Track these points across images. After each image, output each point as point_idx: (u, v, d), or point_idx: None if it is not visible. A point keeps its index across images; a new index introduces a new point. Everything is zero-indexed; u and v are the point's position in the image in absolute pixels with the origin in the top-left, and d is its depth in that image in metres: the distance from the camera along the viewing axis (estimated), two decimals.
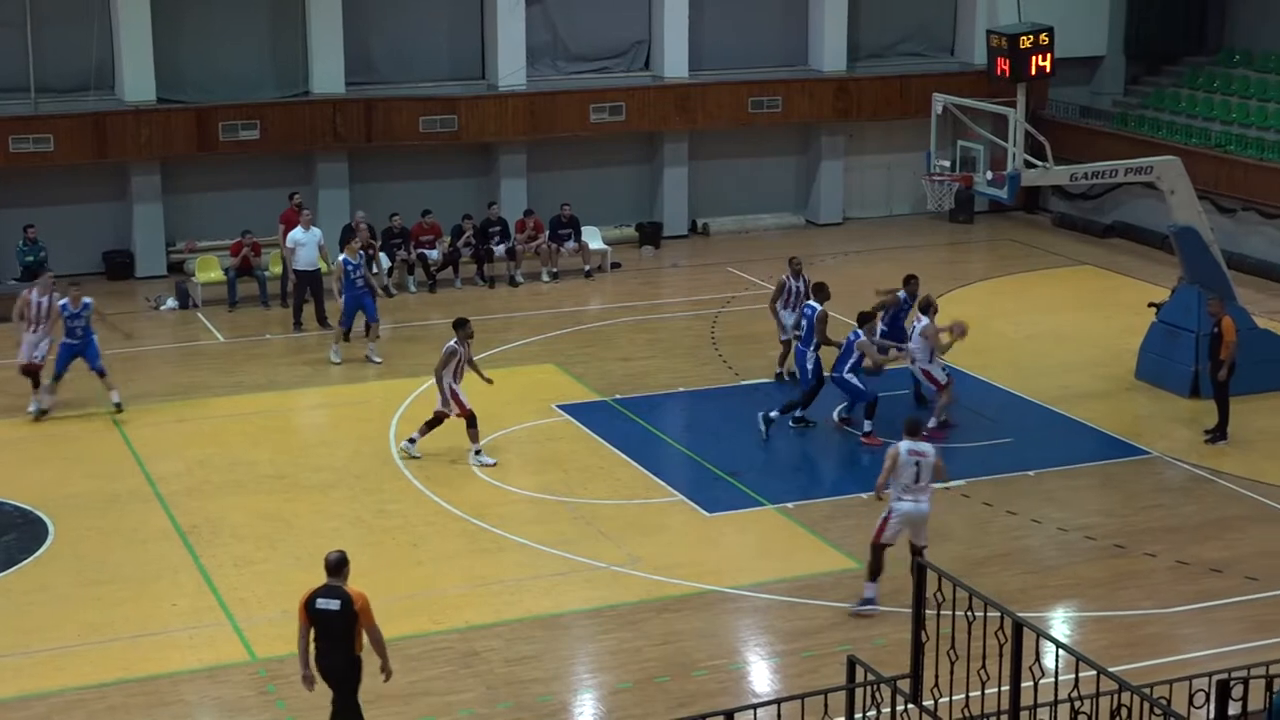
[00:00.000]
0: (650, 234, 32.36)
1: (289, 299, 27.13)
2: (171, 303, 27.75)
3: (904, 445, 15.96)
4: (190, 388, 23.56)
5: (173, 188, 29.76)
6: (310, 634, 12.73)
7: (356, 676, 12.87)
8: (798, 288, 23.15)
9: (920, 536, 16.04)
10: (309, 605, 12.67)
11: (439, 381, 20.11)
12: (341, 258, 24.52)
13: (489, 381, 20.80)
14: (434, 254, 28.96)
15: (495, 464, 20.14)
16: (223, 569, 17.23)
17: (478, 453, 20.23)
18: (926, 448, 16.02)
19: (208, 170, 29.99)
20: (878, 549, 16.06)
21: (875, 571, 16.10)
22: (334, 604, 12.62)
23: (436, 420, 20.29)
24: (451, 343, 20.28)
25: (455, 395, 20.17)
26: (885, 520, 16.03)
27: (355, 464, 20.39)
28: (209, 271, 28.35)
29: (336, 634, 12.65)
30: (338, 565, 12.77)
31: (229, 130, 29.19)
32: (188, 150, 29.28)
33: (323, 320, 26.43)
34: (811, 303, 21.78)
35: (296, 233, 26.41)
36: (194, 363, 24.90)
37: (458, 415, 20.16)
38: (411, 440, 20.43)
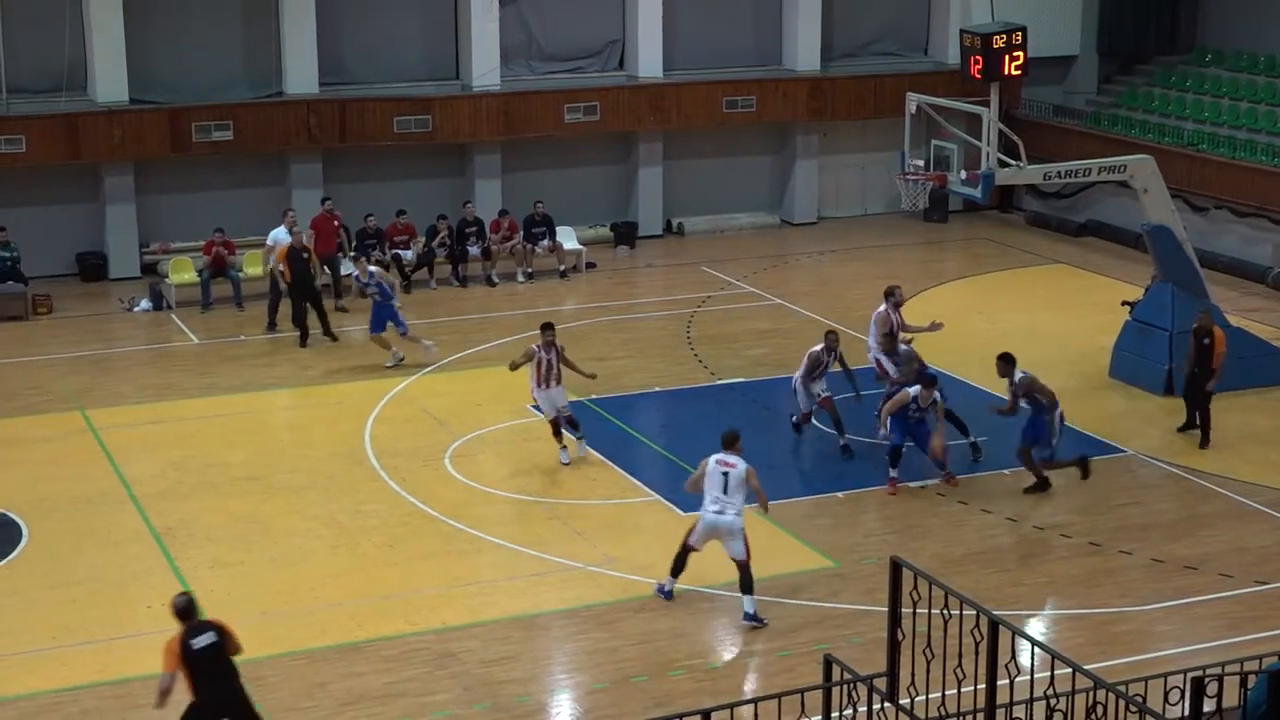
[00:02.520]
0: (625, 234, 32.35)
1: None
2: (145, 304, 27.65)
3: (714, 457, 16.00)
4: (164, 389, 23.48)
5: (146, 189, 29.64)
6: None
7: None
8: (828, 361, 20.92)
9: (733, 549, 15.92)
10: (183, 649, 12.54)
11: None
12: (353, 273, 24.63)
13: (591, 377, 20.97)
14: (409, 254, 28.91)
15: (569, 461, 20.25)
16: (197, 571, 17.17)
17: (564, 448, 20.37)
18: (737, 460, 15.98)
19: (181, 171, 29.88)
20: (683, 549, 16.20)
21: (676, 569, 16.25)
22: (210, 638, 12.61)
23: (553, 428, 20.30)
24: (533, 345, 20.22)
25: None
26: (694, 525, 16.13)
27: (330, 465, 20.35)
28: (182, 273, 28.25)
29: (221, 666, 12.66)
30: (187, 609, 12.70)
31: (202, 131, 29.09)
32: (161, 151, 29.17)
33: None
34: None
35: (279, 232, 26.80)
36: (168, 364, 24.81)
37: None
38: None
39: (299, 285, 25.33)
